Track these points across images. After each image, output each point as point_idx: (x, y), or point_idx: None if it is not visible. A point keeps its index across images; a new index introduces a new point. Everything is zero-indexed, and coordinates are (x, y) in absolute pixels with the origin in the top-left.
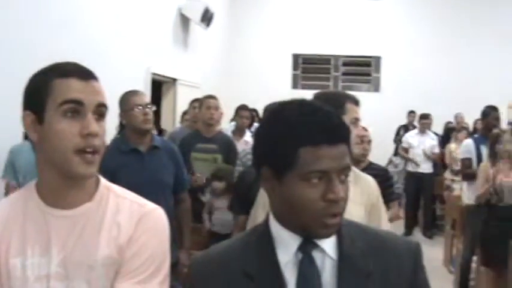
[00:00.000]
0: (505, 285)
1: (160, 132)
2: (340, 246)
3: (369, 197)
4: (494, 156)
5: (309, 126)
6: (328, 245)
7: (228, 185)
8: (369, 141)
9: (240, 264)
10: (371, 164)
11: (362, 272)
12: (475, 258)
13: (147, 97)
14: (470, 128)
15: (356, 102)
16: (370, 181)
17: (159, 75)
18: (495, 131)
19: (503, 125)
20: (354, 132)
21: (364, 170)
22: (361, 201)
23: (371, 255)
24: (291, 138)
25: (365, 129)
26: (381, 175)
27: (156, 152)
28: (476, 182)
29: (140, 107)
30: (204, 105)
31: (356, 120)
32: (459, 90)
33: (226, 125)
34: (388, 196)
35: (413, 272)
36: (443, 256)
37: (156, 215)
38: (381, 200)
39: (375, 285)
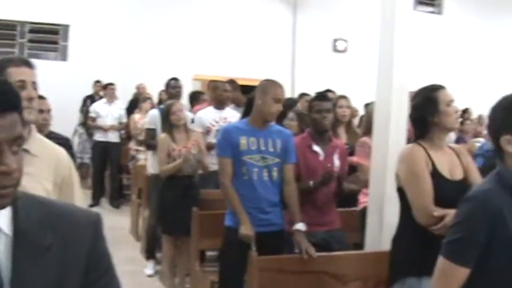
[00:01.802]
0: (186, 250)
1: None
2: (15, 221)
3: (57, 169)
4: (170, 127)
5: None
6: (2, 220)
7: None
8: (49, 110)
9: None
10: (51, 133)
11: (40, 246)
12: None
13: None
14: (155, 99)
15: (21, 64)
16: (59, 152)
17: None
18: (168, 102)
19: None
20: (22, 95)
21: None
22: (48, 174)
23: (49, 227)
24: None
25: (42, 98)
26: (63, 144)
27: None
28: (158, 154)
29: None
30: None
31: (22, 83)
32: (145, 62)
33: None
34: None
35: (93, 242)
36: (130, 225)
37: None
38: (74, 172)
39: (55, 258)
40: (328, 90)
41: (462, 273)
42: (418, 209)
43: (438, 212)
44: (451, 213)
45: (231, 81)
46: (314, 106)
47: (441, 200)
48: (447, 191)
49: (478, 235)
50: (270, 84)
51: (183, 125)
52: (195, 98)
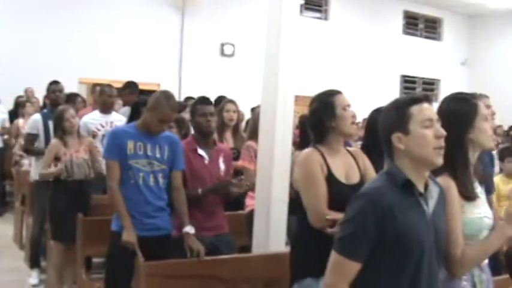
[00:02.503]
0: (74, 257)
1: None
2: None
3: None
4: (62, 133)
5: None
6: None
7: None
8: None
9: None
10: None
11: None
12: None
13: None
14: (41, 102)
15: None
16: None
17: None
18: (61, 108)
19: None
20: None
21: None
22: None
23: None
24: None
25: None
26: None
27: None
28: (44, 157)
29: None
30: None
31: None
32: (30, 64)
33: None
34: None
35: None
36: (13, 233)
37: None
38: None
39: None
40: (221, 97)
41: (353, 267)
42: (312, 212)
43: (331, 215)
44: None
45: (128, 84)
46: (197, 110)
47: (337, 204)
48: (343, 195)
49: (368, 230)
50: (161, 104)
51: (75, 130)
52: (71, 101)
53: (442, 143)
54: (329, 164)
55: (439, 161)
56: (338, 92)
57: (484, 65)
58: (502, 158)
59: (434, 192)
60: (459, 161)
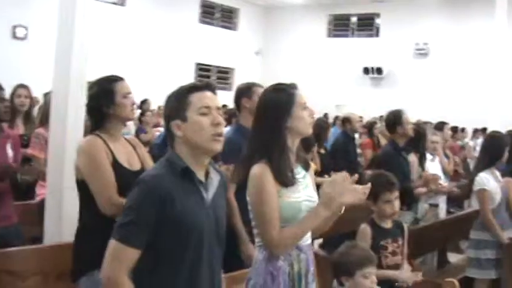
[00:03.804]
0: None
1: None
2: None
3: None
4: None
5: None
6: None
7: None
8: None
9: None
10: None
11: None
12: None
13: None
14: None
15: None
16: None
17: None
18: None
19: None
20: None
21: None
22: None
23: None
24: None
25: None
26: None
27: None
28: None
29: None
30: None
31: None
32: None
33: None
34: None
35: None
36: None
37: None
38: None
39: None
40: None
41: (132, 254)
42: (102, 200)
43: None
44: None
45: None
46: None
47: (124, 190)
48: (128, 180)
49: (146, 217)
50: None
51: None
52: None
53: (219, 130)
54: (113, 151)
55: (217, 147)
56: (119, 79)
57: (277, 55)
58: None
59: (215, 180)
60: (276, 148)
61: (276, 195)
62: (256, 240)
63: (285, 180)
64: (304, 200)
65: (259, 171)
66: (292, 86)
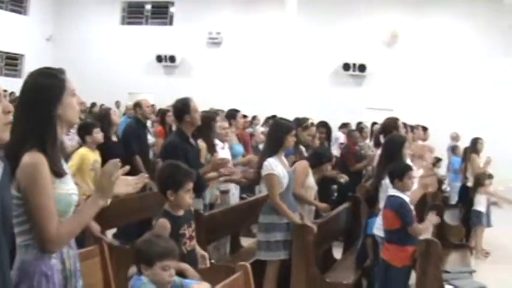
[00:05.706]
0: None
1: None
2: None
3: None
4: None
5: None
6: None
7: None
8: None
9: None
10: None
11: None
12: None
13: None
14: None
15: None
16: None
17: None
18: None
19: None
20: None
21: None
22: None
23: None
24: None
25: None
26: None
27: None
28: None
29: None
30: None
31: None
32: None
33: None
34: None
35: None
36: None
37: None
38: None
39: None
40: None
41: None
42: None
43: None
44: None
45: None
46: None
47: None
48: None
49: None
50: None
51: None
52: None
53: (9, 118)
54: None
55: (6, 136)
56: None
57: (69, 42)
58: None
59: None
60: (48, 136)
61: (52, 186)
62: (20, 239)
63: (60, 170)
64: (72, 193)
65: (34, 160)
66: (62, 71)
